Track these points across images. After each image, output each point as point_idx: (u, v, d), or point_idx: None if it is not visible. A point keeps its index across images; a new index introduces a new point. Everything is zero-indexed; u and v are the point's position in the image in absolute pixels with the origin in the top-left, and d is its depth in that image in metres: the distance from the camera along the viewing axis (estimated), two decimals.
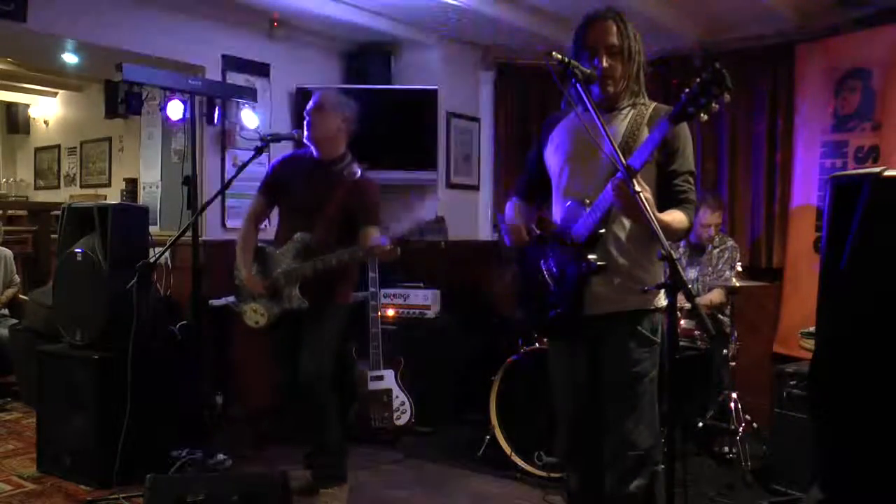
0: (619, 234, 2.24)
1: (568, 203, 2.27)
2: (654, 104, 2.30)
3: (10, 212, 6.73)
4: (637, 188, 1.91)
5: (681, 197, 2.22)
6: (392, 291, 4.85)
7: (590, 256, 2.15)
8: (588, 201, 2.16)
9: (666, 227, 2.08)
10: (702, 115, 1.86)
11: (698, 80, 1.84)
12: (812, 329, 2.98)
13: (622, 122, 2.27)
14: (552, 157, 2.39)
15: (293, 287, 3.21)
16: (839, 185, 2.01)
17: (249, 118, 4.53)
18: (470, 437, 4.20)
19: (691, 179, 2.25)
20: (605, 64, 2.22)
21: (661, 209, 2.19)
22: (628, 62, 2.25)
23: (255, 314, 3.28)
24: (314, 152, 3.30)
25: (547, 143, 2.43)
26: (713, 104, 1.83)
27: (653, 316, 2.27)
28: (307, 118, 3.26)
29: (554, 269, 2.28)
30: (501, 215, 2.49)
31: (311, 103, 3.28)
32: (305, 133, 3.27)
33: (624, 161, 1.95)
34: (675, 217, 2.16)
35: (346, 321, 3.38)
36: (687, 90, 1.86)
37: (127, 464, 3.37)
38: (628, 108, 2.29)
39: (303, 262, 3.20)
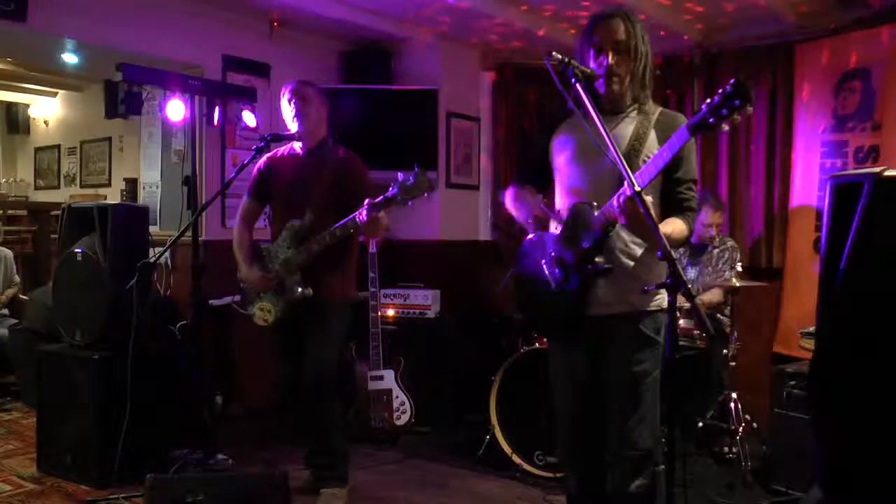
0: (625, 237, 2.24)
1: (572, 201, 2.27)
2: (659, 109, 2.29)
3: (10, 212, 6.73)
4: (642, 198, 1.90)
5: (684, 205, 2.25)
6: (392, 291, 4.85)
7: (596, 259, 2.15)
8: (596, 203, 2.15)
9: (667, 238, 2.08)
10: (723, 125, 1.80)
11: (721, 91, 1.78)
12: (812, 329, 2.97)
13: (628, 125, 2.26)
14: (558, 154, 2.39)
15: (294, 275, 3.20)
16: (839, 185, 2.01)
17: (249, 118, 4.53)
18: (470, 437, 4.20)
19: (693, 188, 2.27)
20: (610, 61, 2.21)
21: (664, 216, 2.19)
22: (634, 61, 2.23)
23: (263, 312, 3.27)
24: (300, 142, 3.32)
25: (553, 139, 2.41)
26: (735, 116, 1.77)
27: (655, 316, 2.27)
28: (295, 110, 3.25)
29: (557, 270, 2.27)
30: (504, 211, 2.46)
31: (292, 96, 3.27)
32: (296, 125, 3.27)
33: (631, 176, 1.91)
34: (676, 227, 2.19)
35: (350, 320, 3.38)
36: (709, 100, 1.80)
37: (127, 464, 3.37)
38: (634, 112, 2.28)
39: (298, 249, 3.20)
